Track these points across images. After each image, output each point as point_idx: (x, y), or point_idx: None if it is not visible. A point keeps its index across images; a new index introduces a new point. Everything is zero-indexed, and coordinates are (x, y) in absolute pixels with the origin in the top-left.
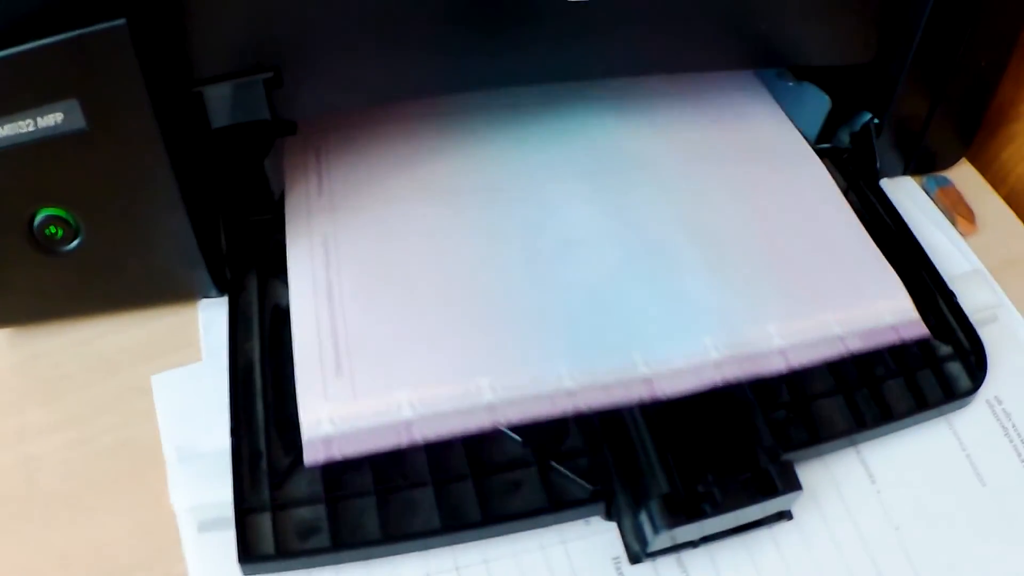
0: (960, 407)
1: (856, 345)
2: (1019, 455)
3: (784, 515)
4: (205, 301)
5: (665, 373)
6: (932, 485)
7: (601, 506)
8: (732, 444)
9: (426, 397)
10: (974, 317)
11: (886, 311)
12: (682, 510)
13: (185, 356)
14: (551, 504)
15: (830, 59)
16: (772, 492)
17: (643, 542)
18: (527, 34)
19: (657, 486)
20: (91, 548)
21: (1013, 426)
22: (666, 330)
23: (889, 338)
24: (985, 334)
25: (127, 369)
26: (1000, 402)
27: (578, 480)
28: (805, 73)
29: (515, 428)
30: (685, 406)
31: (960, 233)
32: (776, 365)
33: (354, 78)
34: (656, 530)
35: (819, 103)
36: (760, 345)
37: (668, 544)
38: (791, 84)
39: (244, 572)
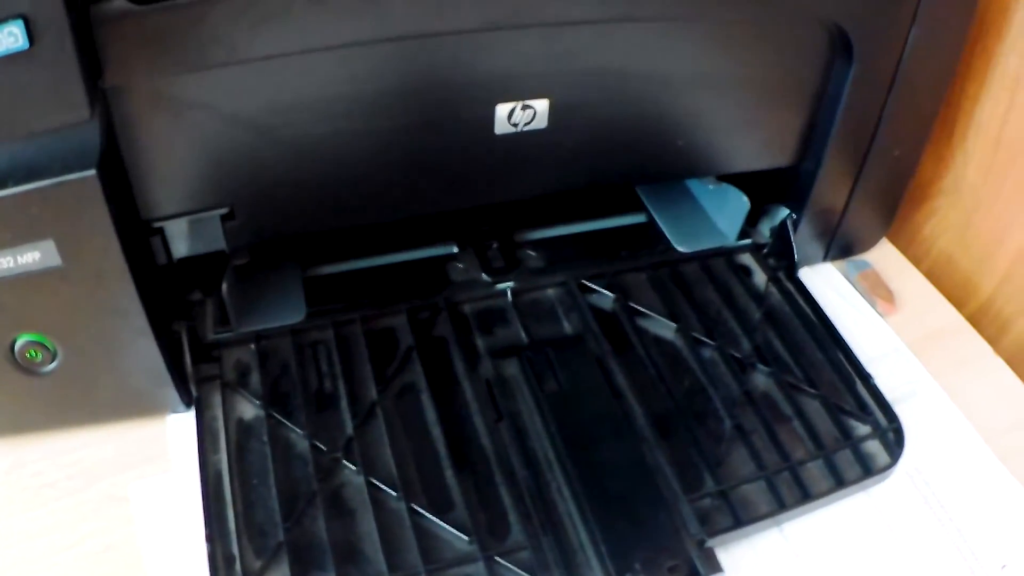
0: (879, 481)
1: None
2: (938, 520)
3: None
4: (173, 415)
5: None
6: (852, 554)
7: None
8: (660, 534)
9: None
10: (894, 394)
11: None
12: None
13: (157, 466)
14: None
15: (752, 166)
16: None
17: None
18: (455, 167)
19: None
20: None
21: (933, 494)
22: None
23: None
24: (905, 409)
25: (106, 478)
26: (920, 472)
27: (521, 573)
28: (726, 176)
29: (462, 526)
30: (617, 499)
31: (880, 314)
32: None
33: (297, 211)
34: None
35: (738, 204)
36: None
37: None
38: (711, 187)
39: None
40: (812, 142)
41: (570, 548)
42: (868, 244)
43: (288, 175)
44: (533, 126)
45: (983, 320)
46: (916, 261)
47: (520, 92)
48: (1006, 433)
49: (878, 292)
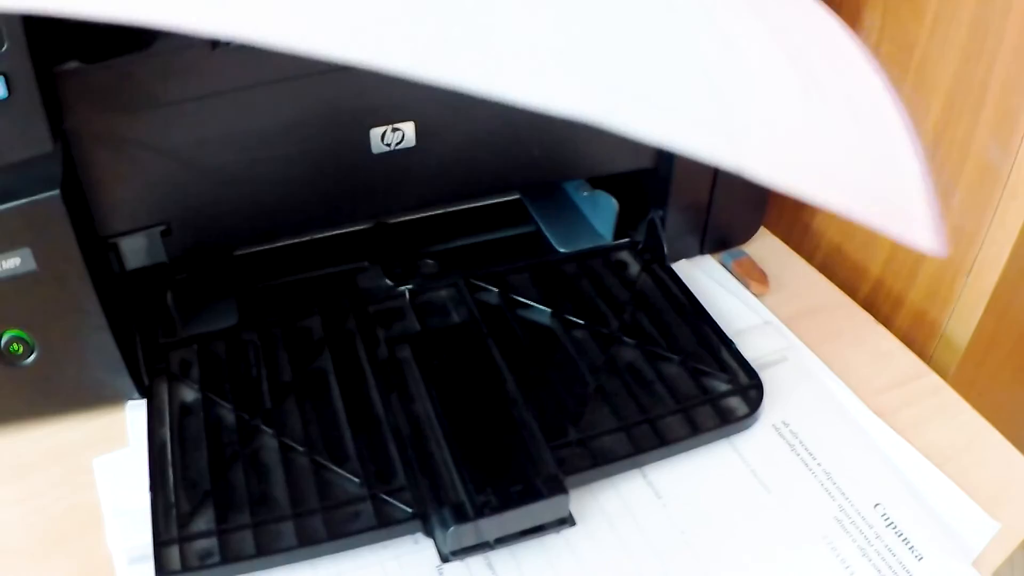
0: (740, 430)
1: None
2: (806, 465)
3: (567, 520)
4: (130, 402)
5: None
6: (716, 496)
7: (419, 524)
8: (519, 471)
9: None
10: (763, 360)
11: None
12: (466, 515)
13: (116, 444)
14: (382, 525)
15: (614, 169)
16: (539, 497)
17: (445, 543)
18: (345, 186)
19: (453, 500)
20: None
21: (800, 443)
22: None
23: None
24: (774, 371)
25: (74, 455)
26: (787, 424)
27: (401, 506)
28: (597, 183)
29: (354, 473)
30: (485, 449)
31: (754, 294)
32: None
33: (222, 227)
34: (446, 530)
35: (609, 206)
36: None
37: (466, 544)
38: (586, 193)
39: None
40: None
41: (443, 486)
42: (745, 236)
43: (212, 197)
44: (403, 145)
45: (876, 300)
46: (809, 255)
47: (389, 117)
48: (884, 392)
49: (752, 275)
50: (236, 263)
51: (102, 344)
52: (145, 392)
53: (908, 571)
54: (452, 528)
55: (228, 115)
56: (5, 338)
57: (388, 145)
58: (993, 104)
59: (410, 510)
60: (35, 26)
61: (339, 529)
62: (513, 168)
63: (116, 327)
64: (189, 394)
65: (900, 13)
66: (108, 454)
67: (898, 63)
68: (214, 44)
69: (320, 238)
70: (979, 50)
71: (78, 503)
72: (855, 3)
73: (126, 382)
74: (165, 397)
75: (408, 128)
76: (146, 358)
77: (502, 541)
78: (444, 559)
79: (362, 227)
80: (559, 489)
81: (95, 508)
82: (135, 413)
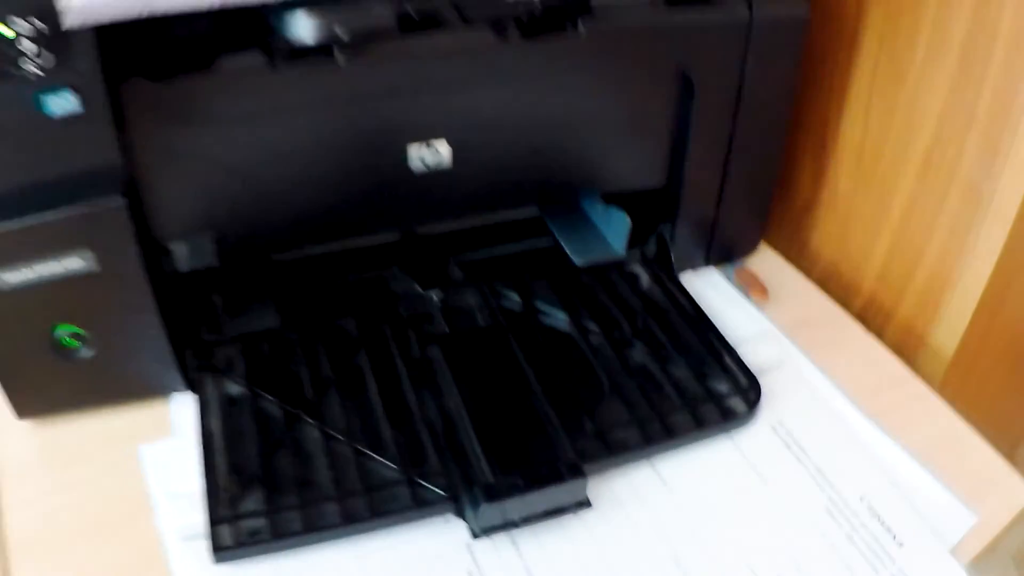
0: (739, 426)
1: None
2: (799, 460)
3: (584, 503)
4: (176, 395)
5: None
6: (717, 486)
7: (451, 505)
8: (540, 457)
9: None
10: (763, 365)
11: None
12: (495, 495)
13: (159, 434)
14: (418, 506)
15: (628, 186)
16: (560, 480)
17: (475, 520)
18: (387, 198)
19: (483, 483)
20: (103, 564)
21: (794, 441)
22: None
23: None
24: (772, 375)
25: (122, 444)
26: (783, 424)
27: (435, 489)
28: (611, 199)
29: (392, 459)
30: (510, 438)
31: (755, 304)
32: None
33: (270, 235)
34: (476, 509)
35: (622, 221)
36: None
37: (494, 522)
38: (600, 207)
39: (216, 559)
40: (674, 165)
41: (472, 471)
42: (746, 250)
43: (259, 206)
44: (438, 163)
45: (868, 313)
46: (807, 270)
47: (426, 136)
48: (872, 396)
49: (752, 286)
50: (275, 267)
51: (155, 341)
52: (190, 386)
53: (890, 555)
54: (483, 506)
55: (279, 132)
56: (62, 332)
57: (423, 162)
58: (979, 129)
59: (443, 492)
60: (106, 46)
61: (378, 509)
62: (535, 183)
63: (168, 325)
64: (235, 388)
65: (895, 43)
66: (153, 443)
67: (893, 89)
68: (272, 65)
69: (353, 246)
70: (967, 78)
71: (125, 488)
72: (852, 32)
73: (174, 376)
74: (212, 390)
75: (442, 146)
76: (194, 354)
77: (526, 520)
78: (475, 535)
79: (393, 237)
80: (578, 474)
81: (142, 493)
82: (179, 405)
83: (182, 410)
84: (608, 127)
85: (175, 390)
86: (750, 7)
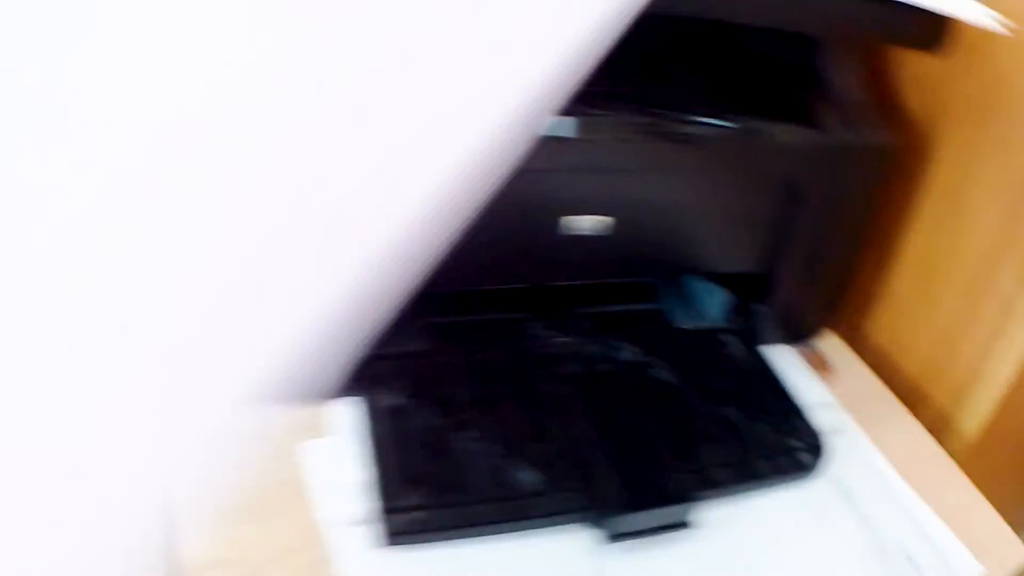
0: (805, 476)
1: None
2: (848, 508)
3: (686, 524)
4: (332, 401)
5: None
6: (780, 523)
7: (587, 514)
8: (660, 482)
9: None
10: (824, 429)
11: None
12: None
13: (317, 434)
14: (559, 513)
15: (731, 269)
16: (676, 502)
17: (610, 527)
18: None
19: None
20: (272, 542)
21: (845, 493)
22: None
23: None
24: (832, 439)
25: (281, 443)
26: (837, 479)
27: (574, 499)
28: (714, 278)
29: (538, 471)
30: (635, 465)
31: (820, 380)
32: None
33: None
34: (613, 517)
35: (723, 297)
36: None
37: (625, 529)
38: (702, 284)
39: (389, 543)
40: (774, 257)
41: (606, 488)
42: (816, 332)
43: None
44: (583, 231)
45: (910, 397)
46: (861, 354)
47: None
48: (908, 463)
49: (818, 365)
50: (427, 299)
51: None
52: (350, 394)
53: None
54: (619, 516)
55: None
56: None
57: (570, 230)
58: (1018, 256)
59: (582, 502)
60: None
61: (524, 513)
62: (658, 260)
63: None
64: (396, 399)
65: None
66: (310, 442)
67: (953, 218)
68: None
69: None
70: (1018, 214)
71: (286, 478)
72: (924, 162)
73: (337, 384)
74: (376, 399)
75: (592, 219)
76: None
77: (644, 533)
78: (611, 539)
79: (525, 285)
80: (690, 499)
81: (299, 484)
82: (336, 410)
83: (342, 414)
84: (728, 220)
85: (333, 398)
86: (853, 132)
